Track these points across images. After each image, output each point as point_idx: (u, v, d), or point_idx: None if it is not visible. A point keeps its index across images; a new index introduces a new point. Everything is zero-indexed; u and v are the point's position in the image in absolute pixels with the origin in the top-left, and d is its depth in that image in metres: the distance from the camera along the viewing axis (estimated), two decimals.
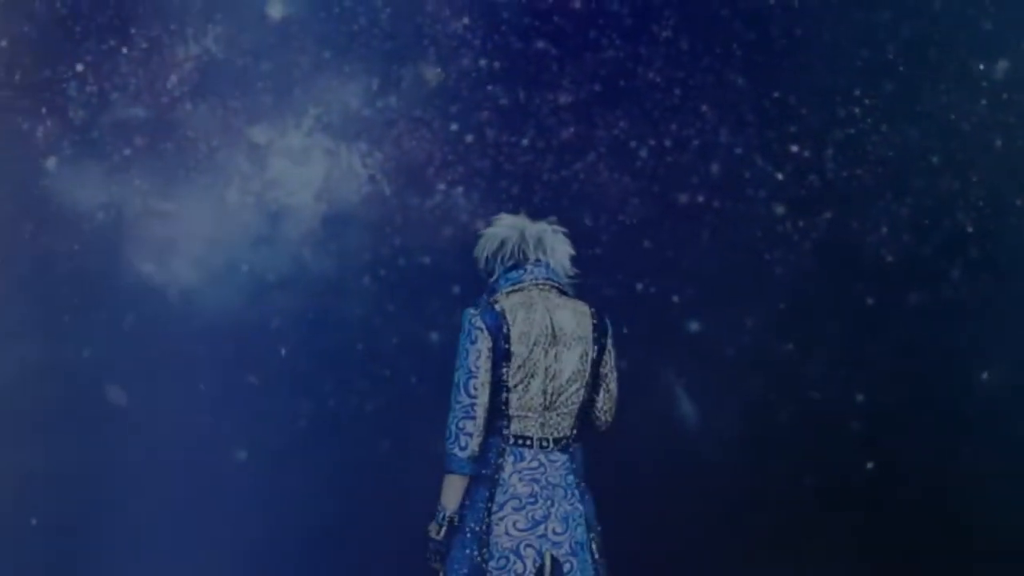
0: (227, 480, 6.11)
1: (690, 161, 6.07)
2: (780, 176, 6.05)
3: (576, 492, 3.84)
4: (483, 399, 3.77)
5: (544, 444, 3.82)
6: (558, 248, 3.93)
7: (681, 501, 5.99)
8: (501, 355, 3.76)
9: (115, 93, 6.09)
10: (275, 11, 6.09)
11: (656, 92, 6.06)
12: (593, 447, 5.87)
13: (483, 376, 3.76)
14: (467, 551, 3.83)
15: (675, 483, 6.01)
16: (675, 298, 6.11)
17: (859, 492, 6.07)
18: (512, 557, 3.77)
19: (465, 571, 3.82)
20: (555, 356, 3.79)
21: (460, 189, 6.10)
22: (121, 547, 6.01)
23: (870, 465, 6.08)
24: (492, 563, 3.78)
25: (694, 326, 6.11)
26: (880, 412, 6.06)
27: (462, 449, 3.77)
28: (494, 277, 3.93)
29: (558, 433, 3.84)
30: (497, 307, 3.79)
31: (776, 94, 6.04)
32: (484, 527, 3.80)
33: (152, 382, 6.07)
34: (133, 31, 6.09)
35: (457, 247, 6.02)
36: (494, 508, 3.79)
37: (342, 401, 6.12)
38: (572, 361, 3.81)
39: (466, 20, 6.06)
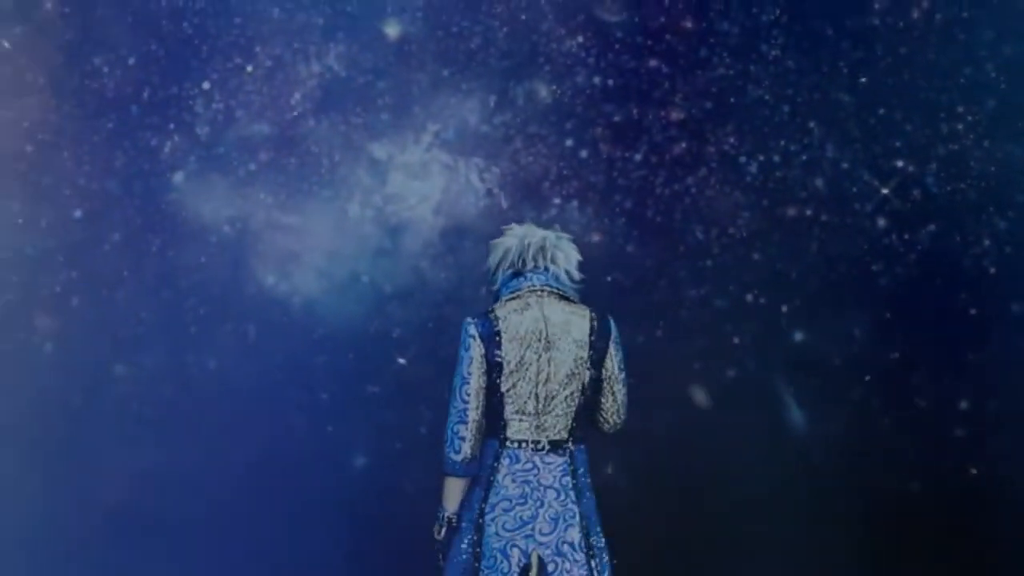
0: (347, 487, 6.26)
1: (798, 175, 6.23)
2: (885, 190, 6.20)
3: (571, 493, 3.88)
4: (475, 404, 3.87)
5: (539, 447, 3.89)
6: (559, 255, 3.99)
7: (791, 504, 6.13)
8: (493, 361, 3.87)
9: (240, 110, 6.26)
10: (394, 31, 6.26)
11: (765, 109, 6.23)
12: (707, 452, 6.11)
13: (475, 382, 3.87)
14: (462, 550, 3.92)
15: (785, 487, 6.15)
16: (783, 308, 6.26)
17: (963, 497, 6.20)
18: (499, 556, 3.84)
19: (460, 570, 3.91)
20: (547, 360, 3.86)
21: (575, 203, 6.26)
22: (238, 550, 6.16)
23: (974, 471, 6.21)
24: (483, 562, 3.87)
25: (802, 335, 6.26)
26: (983, 418, 6.21)
27: (456, 452, 3.87)
28: (496, 286, 4.05)
29: (554, 435, 3.90)
30: (492, 315, 3.90)
31: (881, 111, 6.20)
32: (477, 527, 3.89)
33: (274, 391, 6.23)
34: (258, 50, 6.26)
35: None
36: (487, 509, 3.88)
37: None
38: (566, 364, 3.88)
39: (580, 39, 6.24)
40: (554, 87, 6.21)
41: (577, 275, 4.02)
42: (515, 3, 6.21)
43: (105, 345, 6.25)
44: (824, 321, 6.25)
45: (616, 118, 6.24)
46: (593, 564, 3.87)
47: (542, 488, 3.88)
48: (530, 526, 3.86)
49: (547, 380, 3.88)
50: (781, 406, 6.30)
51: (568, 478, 3.89)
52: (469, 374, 3.89)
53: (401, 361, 6.28)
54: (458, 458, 3.89)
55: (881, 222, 6.23)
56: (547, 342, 3.89)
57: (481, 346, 3.88)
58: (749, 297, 6.26)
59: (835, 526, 6.12)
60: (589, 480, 3.97)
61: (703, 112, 6.24)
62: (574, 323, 3.91)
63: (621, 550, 6.11)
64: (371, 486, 6.29)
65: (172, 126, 6.25)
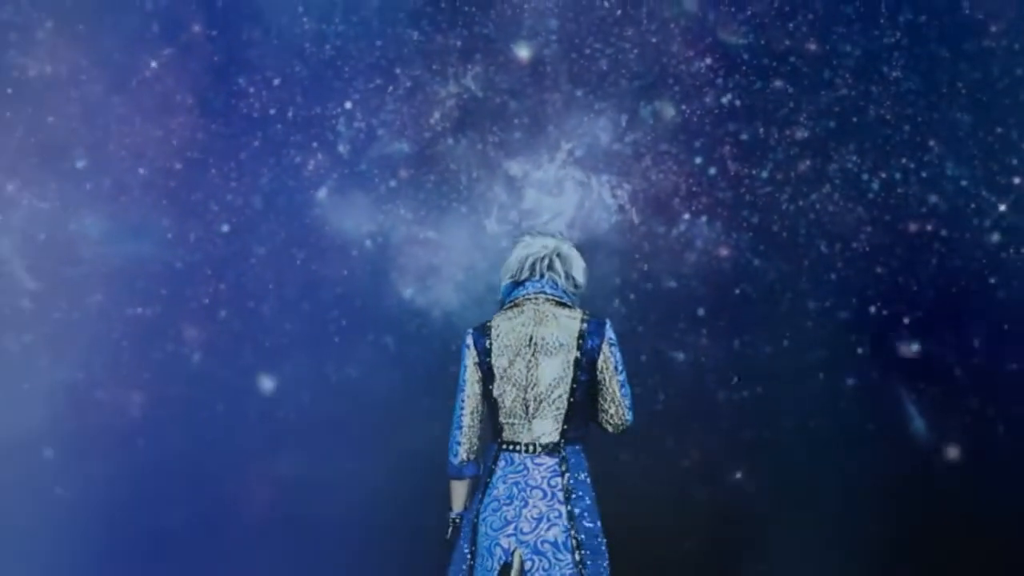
0: None
1: (917, 192, 6.44)
2: (1002, 206, 6.41)
3: (559, 494, 3.94)
4: (469, 410, 4.05)
5: (531, 449, 3.98)
6: (556, 262, 4.08)
7: (912, 510, 6.32)
8: (485, 369, 4.02)
9: (381, 129, 6.51)
10: (529, 53, 6.50)
11: (886, 128, 6.45)
12: (830, 459, 6.30)
13: (469, 389, 4.04)
14: (462, 547, 4.08)
15: (906, 494, 6.34)
16: (904, 320, 6.47)
17: None
18: (486, 554, 3.97)
19: (458, 567, 4.06)
20: (535, 364, 3.96)
21: (703, 219, 6.48)
22: (377, 555, 6.36)
23: None
24: (476, 560, 4.00)
25: (922, 346, 6.47)
26: None
27: (454, 456, 4.09)
28: (500, 297, 4.19)
29: (546, 438, 3.98)
30: (487, 325, 4.07)
31: (998, 129, 6.40)
32: (473, 526, 4.03)
33: (414, 400, 6.45)
34: (398, 71, 6.51)
35: (701, 272, 6.44)
36: (481, 509, 4.01)
37: None
38: (554, 368, 3.96)
39: (708, 61, 6.47)
40: (683, 107, 6.43)
41: (581, 279, 4.13)
42: (645, 26, 6.44)
43: (250, 355, 6.48)
44: (944, 332, 6.45)
45: (743, 136, 6.46)
46: (579, 562, 3.91)
47: (528, 488, 3.96)
48: (513, 525, 3.95)
49: (535, 384, 3.97)
50: (902, 415, 6.49)
51: (558, 479, 3.95)
52: (464, 382, 4.06)
53: None
54: (455, 461, 4.09)
55: (998, 237, 6.43)
56: (535, 347, 3.99)
57: (475, 355, 4.04)
58: (871, 309, 6.47)
59: (955, 532, 6.30)
60: (587, 479, 4.03)
61: (826, 131, 6.45)
62: (564, 327, 3.98)
63: (749, 553, 6.35)
64: None
65: (315, 144, 6.49)
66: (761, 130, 6.47)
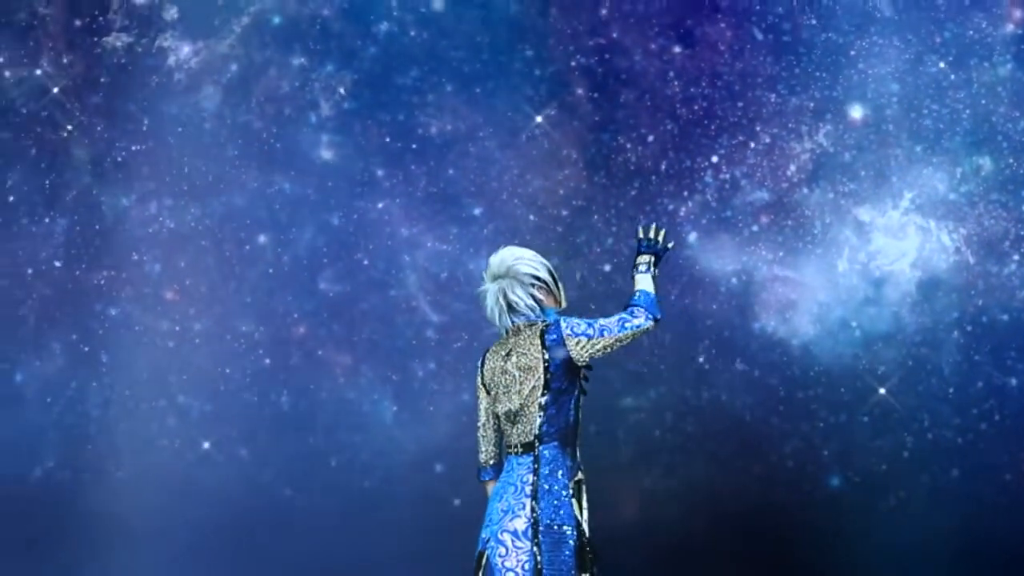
0: (826, 504, 7.21)
1: None
2: None
3: (527, 488, 4.15)
4: (482, 420, 4.39)
5: (516, 450, 4.24)
6: (508, 300, 4.23)
7: None
8: (485, 389, 4.35)
9: (744, 180, 7.35)
10: (871, 113, 7.36)
11: None
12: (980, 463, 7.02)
13: (480, 404, 4.43)
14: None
15: None
16: None
17: None
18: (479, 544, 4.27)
19: None
20: (512, 379, 4.21)
21: None
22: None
23: None
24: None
25: None
26: None
27: (477, 460, 4.44)
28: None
29: (525, 439, 4.22)
30: (484, 354, 4.38)
31: None
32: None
33: (774, 422, 7.24)
34: (758, 128, 7.36)
35: None
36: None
37: (938, 434, 7.23)
38: (524, 391, 4.19)
39: None
40: (1010, 160, 7.27)
41: (542, 278, 4.27)
42: (975, 89, 7.30)
43: (617, 379, 7.26)
44: None
45: None
46: (536, 551, 4.08)
47: (507, 485, 4.22)
48: (489, 518, 4.22)
49: (511, 402, 4.22)
50: None
51: (530, 475, 4.17)
52: (477, 398, 4.42)
53: (881, 391, 7.25)
54: (479, 466, 4.45)
55: None
56: (508, 365, 4.24)
57: (479, 377, 4.39)
58: None
59: None
60: (561, 473, 4.19)
61: None
62: (530, 342, 4.21)
63: None
64: (847, 505, 7.23)
65: (686, 193, 7.34)
66: None
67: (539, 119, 7.35)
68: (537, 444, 4.18)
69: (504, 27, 7.33)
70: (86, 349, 7.29)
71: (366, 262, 7.36)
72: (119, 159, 7.37)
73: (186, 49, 7.39)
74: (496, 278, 4.27)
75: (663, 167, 7.35)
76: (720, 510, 7.17)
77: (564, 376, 4.17)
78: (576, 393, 4.24)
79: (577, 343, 4.14)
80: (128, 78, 7.36)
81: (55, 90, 7.37)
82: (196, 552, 6.87)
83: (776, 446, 7.27)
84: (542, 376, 4.15)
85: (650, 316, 4.16)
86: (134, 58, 7.37)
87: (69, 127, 7.38)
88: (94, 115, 7.40)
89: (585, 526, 4.17)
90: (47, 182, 7.37)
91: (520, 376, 4.18)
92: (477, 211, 7.33)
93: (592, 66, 7.35)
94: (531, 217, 7.33)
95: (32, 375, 7.28)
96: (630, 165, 7.34)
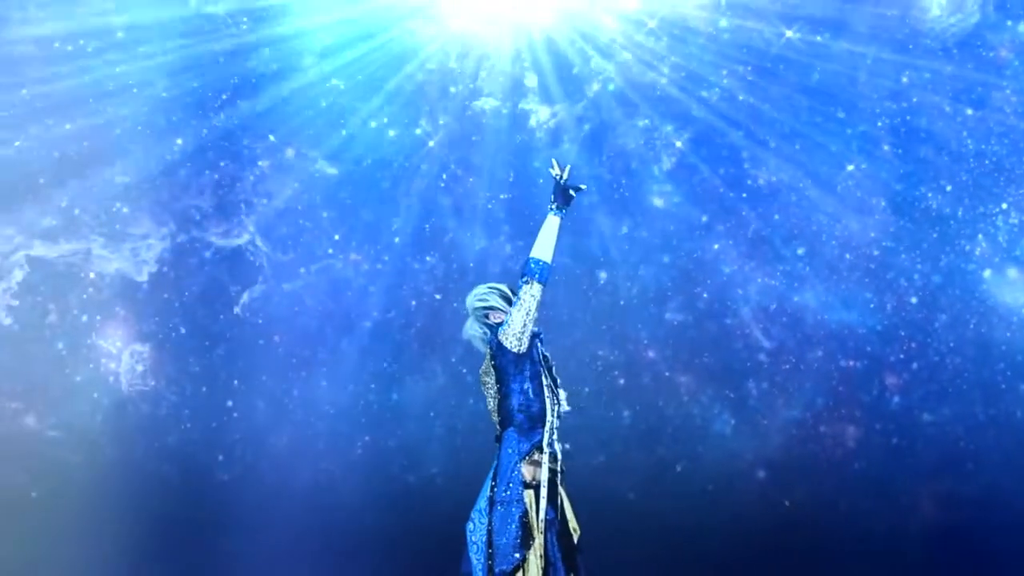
0: None
1: None
2: None
3: (492, 470, 4.75)
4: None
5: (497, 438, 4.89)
6: (472, 333, 4.98)
7: None
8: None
9: None
10: None
11: None
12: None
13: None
14: None
15: None
16: None
17: None
18: None
19: None
20: (487, 394, 4.93)
21: None
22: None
23: None
24: None
25: None
26: None
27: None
28: None
29: (496, 431, 4.89)
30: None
31: None
32: None
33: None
34: None
35: None
36: None
37: None
38: (491, 392, 4.91)
39: None
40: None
41: (491, 302, 4.94)
42: None
43: (913, 393, 8.35)
44: None
45: None
46: (491, 523, 4.67)
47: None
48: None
49: (490, 399, 4.92)
50: None
51: (495, 459, 4.78)
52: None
53: None
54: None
55: None
56: (482, 374, 4.95)
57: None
58: None
59: None
60: (511, 452, 4.73)
61: None
62: (485, 367, 4.96)
63: None
64: None
65: (980, 236, 8.45)
66: None
67: (851, 168, 8.48)
68: (499, 430, 4.83)
69: (819, 92, 8.47)
70: (463, 370, 8.39)
71: (705, 295, 8.48)
72: (489, 207, 8.49)
73: (545, 111, 8.53)
74: (468, 317, 5.00)
75: (960, 213, 8.45)
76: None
77: (510, 368, 4.78)
78: (524, 383, 4.79)
79: (504, 336, 4.76)
80: (495, 136, 8.50)
81: (430, 143, 8.49)
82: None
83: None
84: (494, 374, 4.84)
85: (529, 281, 4.72)
86: (499, 119, 8.51)
87: (444, 176, 8.51)
88: (463, 167, 8.52)
89: (543, 507, 4.69)
90: (427, 226, 8.48)
91: (488, 381, 4.89)
92: (800, 251, 8.45)
93: (896, 125, 8.48)
94: (847, 256, 8.44)
95: (416, 392, 8.38)
96: (931, 211, 8.45)
